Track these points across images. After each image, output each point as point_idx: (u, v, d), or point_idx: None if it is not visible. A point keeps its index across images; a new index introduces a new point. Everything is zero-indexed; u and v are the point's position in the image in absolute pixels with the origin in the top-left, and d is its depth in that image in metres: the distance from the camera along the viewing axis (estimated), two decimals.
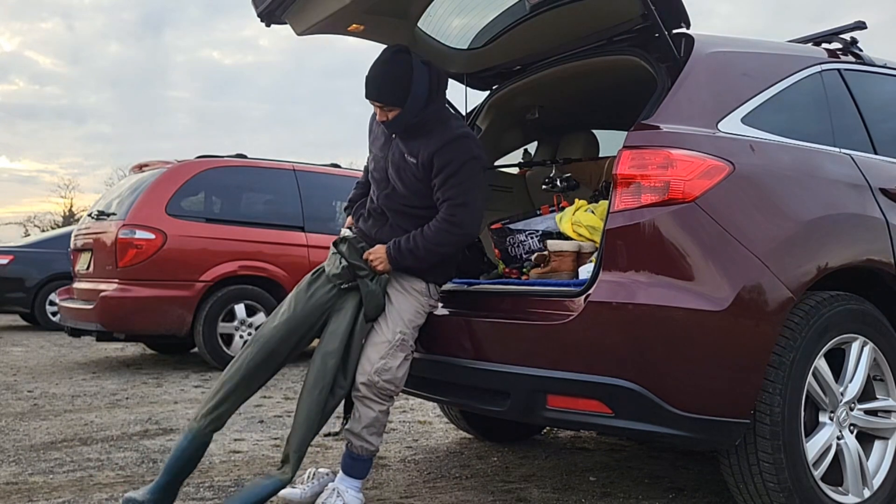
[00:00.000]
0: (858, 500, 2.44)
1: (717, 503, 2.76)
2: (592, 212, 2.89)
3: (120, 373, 6.10)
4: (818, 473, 2.36)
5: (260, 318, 6.21)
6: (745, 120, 2.49)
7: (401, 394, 2.80)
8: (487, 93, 3.56)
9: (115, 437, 3.79)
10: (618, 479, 3.06)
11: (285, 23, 3.07)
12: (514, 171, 3.97)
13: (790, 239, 2.35)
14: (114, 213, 6.25)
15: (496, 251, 3.23)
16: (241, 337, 6.18)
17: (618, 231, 2.28)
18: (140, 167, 6.77)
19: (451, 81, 3.54)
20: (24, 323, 11.33)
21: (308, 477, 2.79)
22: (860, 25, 3.16)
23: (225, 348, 6.13)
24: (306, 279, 2.78)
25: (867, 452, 2.52)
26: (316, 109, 62.81)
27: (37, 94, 54.29)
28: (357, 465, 2.66)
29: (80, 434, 3.84)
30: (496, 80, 3.52)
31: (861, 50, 3.12)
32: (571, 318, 2.30)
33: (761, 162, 2.41)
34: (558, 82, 3.31)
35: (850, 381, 2.46)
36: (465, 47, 3.37)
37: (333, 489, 2.61)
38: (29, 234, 28.94)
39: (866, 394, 2.53)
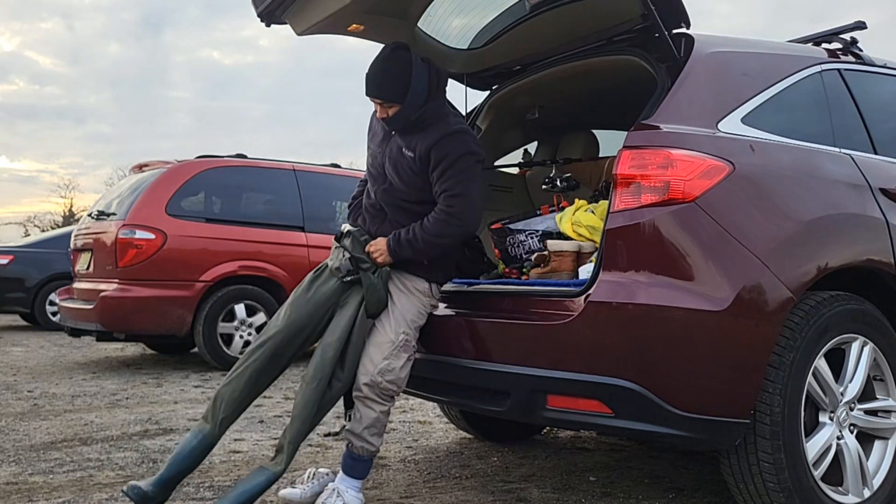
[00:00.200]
0: (858, 500, 2.44)
1: (717, 503, 2.76)
2: (592, 212, 2.89)
3: (120, 373, 6.10)
4: (818, 473, 2.36)
5: (260, 318, 6.21)
6: (745, 120, 2.50)
7: (401, 394, 2.80)
8: (487, 93, 3.56)
9: (115, 437, 3.79)
10: (618, 479, 3.06)
11: (285, 23, 3.07)
12: (514, 171, 3.97)
13: (790, 239, 2.35)
14: (114, 213, 6.25)
15: (496, 251, 3.23)
16: (241, 337, 6.18)
17: (618, 231, 2.28)
18: (140, 167, 6.77)
19: (451, 81, 3.55)
20: (24, 323, 11.33)
21: (308, 477, 2.79)
22: (860, 25, 3.17)
23: (225, 348, 6.12)
24: (308, 278, 2.79)
25: (867, 452, 2.52)
26: (316, 109, 62.83)
27: (37, 94, 54.35)
28: (357, 465, 2.66)
29: (80, 434, 3.85)
30: (496, 80, 3.52)
31: (861, 50, 3.12)
32: (571, 318, 2.30)
33: (761, 162, 2.41)
34: (558, 82, 3.31)
35: (850, 381, 2.46)
36: (465, 47, 3.37)
37: (333, 489, 2.61)
38: (29, 234, 28.95)
39: (866, 394, 2.53)
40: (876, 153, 2.85)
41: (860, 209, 2.58)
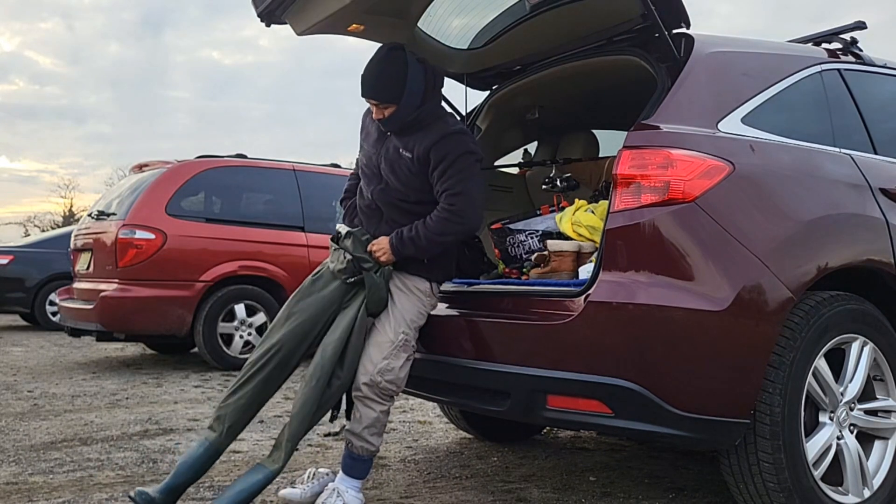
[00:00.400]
0: (858, 500, 2.44)
1: (717, 503, 2.76)
2: (592, 212, 2.89)
3: (120, 373, 6.10)
4: (818, 473, 2.35)
5: (260, 317, 6.22)
6: (745, 120, 2.50)
7: (401, 394, 2.80)
8: (487, 93, 3.56)
9: (115, 437, 3.79)
10: (618, 479, 3.06)
11: (285, 23, 3.07)
12: (514, 171, 3.97)
13: (790, 239, 2.35)
14: (114, 213, 6.25)
15: (496, 251, 3.23)
16: (241, 337, 6.18)
17: (618, 231, 2.28)
18: (140, 167, 6.77)
19: (451, 81, 3.55)
20: (24, 323, 11.33)
21: (308, 477, 2.79)
22: (860, 25, 3.16)
23: (225, 348, 6.13)
24: (306, 282, 2.79)
25: (867, 452, 2.51)
26: (316, 109, 62.82)
27: (37, 94, 54.37)
28: (357, 465, 2.66)
29: (80, 434, 3.84)
30: (496, 80, 3.52)
31: (861, 50, 3.12)
32: (571, 318, 2.30)
33: (761, 162, 2.41)
34: (558, 82, 3.31)
35: (850, 381, 2.46)
36: (465, 47, 3.37)
37: (333, 489, 2.61)
38: (29, 234, 28.94)
39: (866, 394, 2.53)
40: (876, 153, 2.85)
41: (860, 209, 2.58)
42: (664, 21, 2.52)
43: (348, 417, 2.72)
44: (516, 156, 3.94)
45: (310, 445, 3.57)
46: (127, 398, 4.90)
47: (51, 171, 56.00)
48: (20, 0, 55.58)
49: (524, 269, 3.06)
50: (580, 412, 2.33)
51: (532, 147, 4.02)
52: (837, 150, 2.70)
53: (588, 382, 2.26)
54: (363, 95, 2.68)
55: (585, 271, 2.60)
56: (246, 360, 2.73)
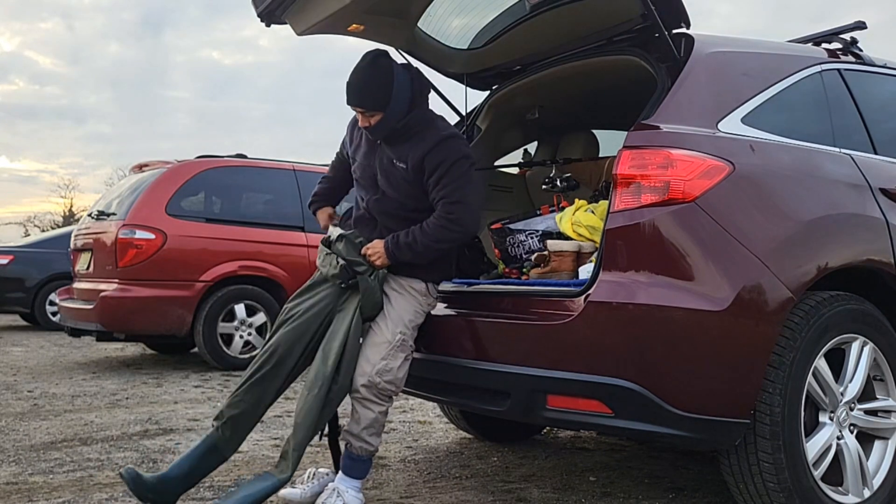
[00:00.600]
0: (858, 500, 2.44)
1: (717, 503, 2.76)
2: (592, 212, 2.89)
3: (120, 373, 6.10)
4: (818, 473, 2.35)
5: (260, 317, 6.21)
6: (745, 120, 2.49)
7: (401, 394, 2.80)
8: (487, 93, 3.56)
9: (115, 437, 3.79)
10: (618, 479, 3.06)
11: (285, 23, 3.07)
12: (514, 171, 3.97)
13: (790, 239, 2.35)
14: (114, 213, 6.25)
15: (496, 251, 3.23)
16: (241, 337, 6.18)
17: (618, 231, 2.28)
18: (140, 167, 6.77)
19: (451, 81, 3.55)
20: (24, 323, 11.33)
21: (308, 477, 2.79)
22: (860, 25, 3.16)
23: (225, 348, 6.12)
24: (302, 288, 2.80)
25: (867, 452, 2.51)
26: (316, 109, 62.79)
27: (37, 94, 54.33)
28: (357, 465, 2.66)
29: (80, 434, 3.84)
30: (496, 80, 3.52)
31: (861, 50, 3.12)
32: (571, 318, 2.29)
33: (761, 162, 2.41)
34: (558, 82, 3.31)
35: (850, 381, 2.46)
36: (465, 47, 3.37)
37: (333, 489, 2.61)
38: (29, 234, 28.94)
39: (866, 394, 2.53)
40: (876, 153, 2.84)
41: (860, 209, 2.58)
42: (664, 21, 2.52)
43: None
44: (516, 156, 3.94)
45: (310, 446, 3.56)
46: (127, 398, 4.90)
47: (51, 171, 56.04)
48: (20, 0, 55.61)
49: (524, 269, 3.06)
50: (580, 412, 2.33)
51: (532, 147, 4.02)
52: (837, 150, 2.70)
53: (588, 382, 2.26)
54: (349, 103, 2.66)
55: (585, 271, 2.60)
56: (246, 359, 2.74)
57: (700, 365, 2.20)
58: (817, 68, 2.81)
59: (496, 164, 3.79)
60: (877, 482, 2.50)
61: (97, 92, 57.68)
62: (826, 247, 2.42)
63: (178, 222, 6.07)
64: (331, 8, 2.84)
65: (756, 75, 2.62)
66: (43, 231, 27.31)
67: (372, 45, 3.17)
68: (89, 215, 6.76)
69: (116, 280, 5.90)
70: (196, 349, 6.47)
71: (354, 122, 2.86)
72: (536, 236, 3.07)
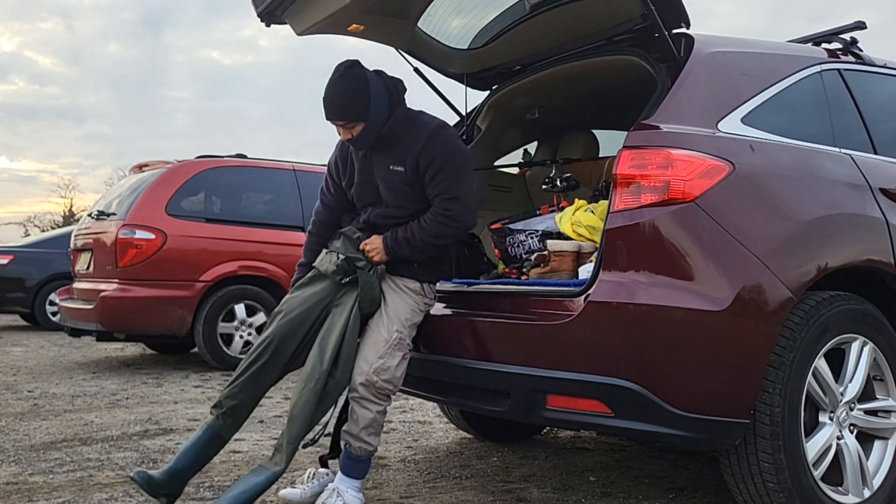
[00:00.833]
0: (858, 500, 2.44)
1: (717, 503, 2.76)
2: (592, 212, 2.89)
3: (120, 373, 6.10)
4: (818, 473, 2.35)
5: (260, 317, 6.21)
6: (745, 120, 2.49)
7: (401, 394, 2.80)
8: (487, 93, 3.56)
9: (115, 437, 3.79)
10: (618, 479, 3.06)
11: (285, 23, 3.07)
12: (514, 171, 3.97)
13: (790, 239, 2.35)
14: (114, 213, 6.25)
15: (496, 251, 3.23)
16: (241, 337, 6.18)
17: (618, 231, 2.28)
18: (140, 167, 6.78)
19: (451, 81, 3.55)
20: (24, 323, 11.33)
21: (308, 477, 2.79)
22: (860, 25, 3.16)
23: (225, 348, 6.12)
24: (298, 284, 2.81)
25: (867, 452, 2.51)
26: (316, 109, 61.59)
27: (37, 94, 54.32)
28: (356, 465, 2.66)
29: (80, 434, 3.85)
30: (496, 80, 3.52)
31: (861, 50, 3.12)
32: (571, 318, 2.29)
33: (761, 162, 2.41)
34: (558, 82, 3.31)
35: (850, 381, 2.46)
36: (465, 47, 3.37)
37: (333, 489, 2.61)
38: (29, 234, 28.95)
39: (866, 394, 2.53)
40: (876, 153, 2.84)
41: (860, 209, 2.58)
42: (664, 21, 2.52)
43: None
44: (516, 156, 3.94)
45: (310, 446, 3.56)
46: (127, 398, 4.90)
47: (51, 171, 56.01)
48: (20, 0, 55.60)
49: (524, 269, 3.06)
50: (580, 412, 2.33)
51: (532, 147, 4.03)
52: (837, 150, 2.70)
53: (588, 382, 2.26)
54: (329, 119, 2.63)
55: (585, 271, 2.60)
56: None
57: (700, 365, 2.20)
58: (817, 68, 2.81)
59: (496, 164, 3.79)
60: (877, 482, 2.49)
61: (97, 92, 57.73)
62: (826, 247, 2.42)
63: (178, 222, 6.07)
64: (331, 8, 2.84)
65: (756, 75, 2.62)
66: (43, 231, 27.33)
67: (372, 45, 3.18)
68: (89, 215, 6.76)
69: (116, 280, 5.90)
70: (196, 349, 6.47)
71: (340, 144, 2.83)
72: (536, 236, 3.07)
